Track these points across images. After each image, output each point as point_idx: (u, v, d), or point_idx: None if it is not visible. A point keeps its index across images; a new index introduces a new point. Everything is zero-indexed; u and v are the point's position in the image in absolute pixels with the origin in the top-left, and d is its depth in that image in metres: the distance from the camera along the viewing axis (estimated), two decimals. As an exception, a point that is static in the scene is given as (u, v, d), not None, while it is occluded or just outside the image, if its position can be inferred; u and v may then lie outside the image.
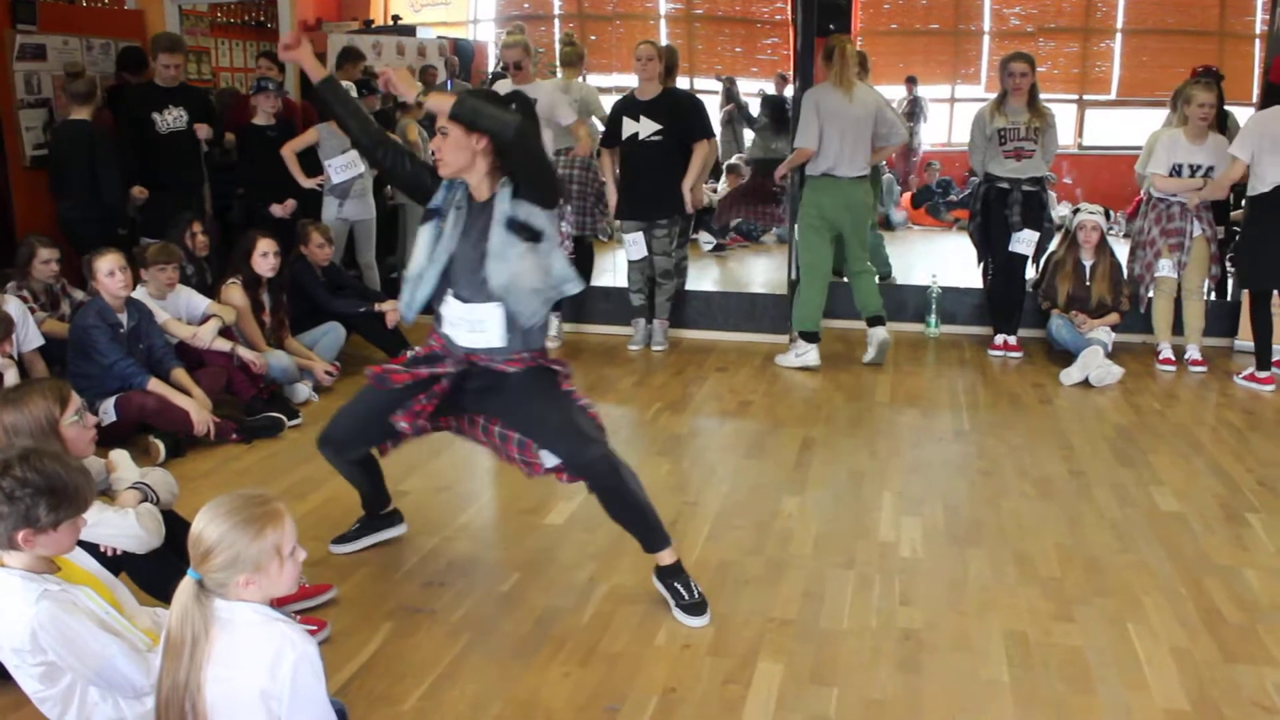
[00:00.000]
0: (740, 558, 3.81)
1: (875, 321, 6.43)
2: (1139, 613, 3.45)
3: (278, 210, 6.77)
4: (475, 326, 3.32)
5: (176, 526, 3.12)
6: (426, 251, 3.33)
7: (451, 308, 3.35)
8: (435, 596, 3.51)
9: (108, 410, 4.80)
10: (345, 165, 6.71)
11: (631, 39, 12.29)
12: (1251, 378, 6.16)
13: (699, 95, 7.30)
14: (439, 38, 9.96)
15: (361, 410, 3.56)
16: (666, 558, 3.44)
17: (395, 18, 10.37)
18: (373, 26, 9.94)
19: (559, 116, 6.47)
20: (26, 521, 2.39)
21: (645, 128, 6.49)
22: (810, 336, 6.40)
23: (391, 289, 6.79)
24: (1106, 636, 3.30)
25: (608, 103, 7.01)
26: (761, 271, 9.08)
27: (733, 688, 3.01)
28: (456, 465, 4.79)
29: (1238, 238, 6.61)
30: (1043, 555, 3.86)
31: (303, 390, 5.62)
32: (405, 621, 3.35)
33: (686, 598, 3.38)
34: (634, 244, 6.74)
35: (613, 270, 7.34)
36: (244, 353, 5.35)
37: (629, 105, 6.59)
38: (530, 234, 3.21)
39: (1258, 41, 9.75)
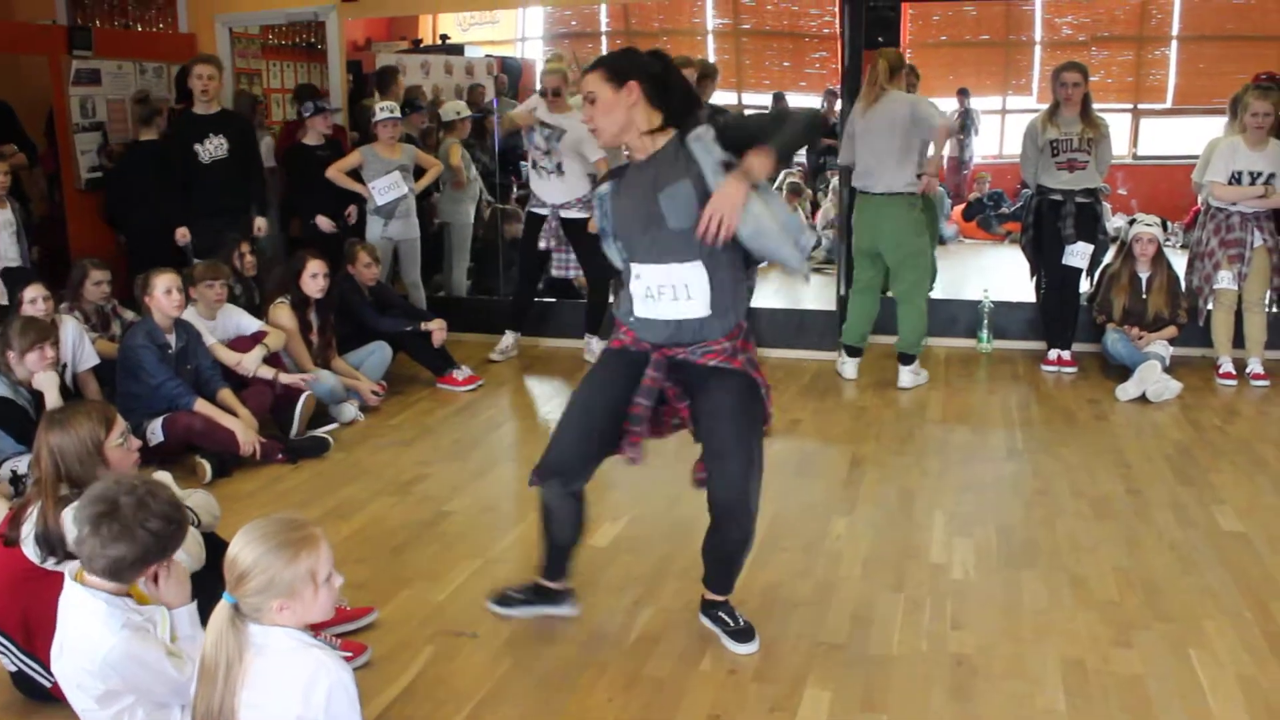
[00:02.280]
0: (788, 580, 3.74)
1: (904, 360, 6.31)
2: (1202, 638, 3.34)
3: (324, 224, 6.81)
4: (678, 293, 3.07)
5: (219, 549, 3.10)
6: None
7: (648, 275, 3.08)
8: (478, 620, 3.47)
9: (155, 430, 4.83)
10: (389, 186, 6.73)
11: (676, 51, 12.31)
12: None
13: (747, 110, 7.26)
14: (486, 56, 9.98)
15: (583, 422, 3.23)
16: (718, 595, 3.38)
17: (444, 37, 10.42)
18: (421, 46, 9.99)
19: (586, 152, 6.47)
20: (164, 556, 2.44)
21: None
22: (852, 350, 6.42)
23: (437, 308, 6.82)
24: (1168, 664, 3.20)
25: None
26: (810, 287, 8.98)
27: (779, 715, 2.95)
28: (502, 485, 4.77)
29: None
30: (1100, 578, 3.75)
31: (349, 410, 5.63)
32: (447, 645, 3.32)
33: (732, 625, 3.33)
34: None
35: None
36: (287, 379, 5.35)
37: None
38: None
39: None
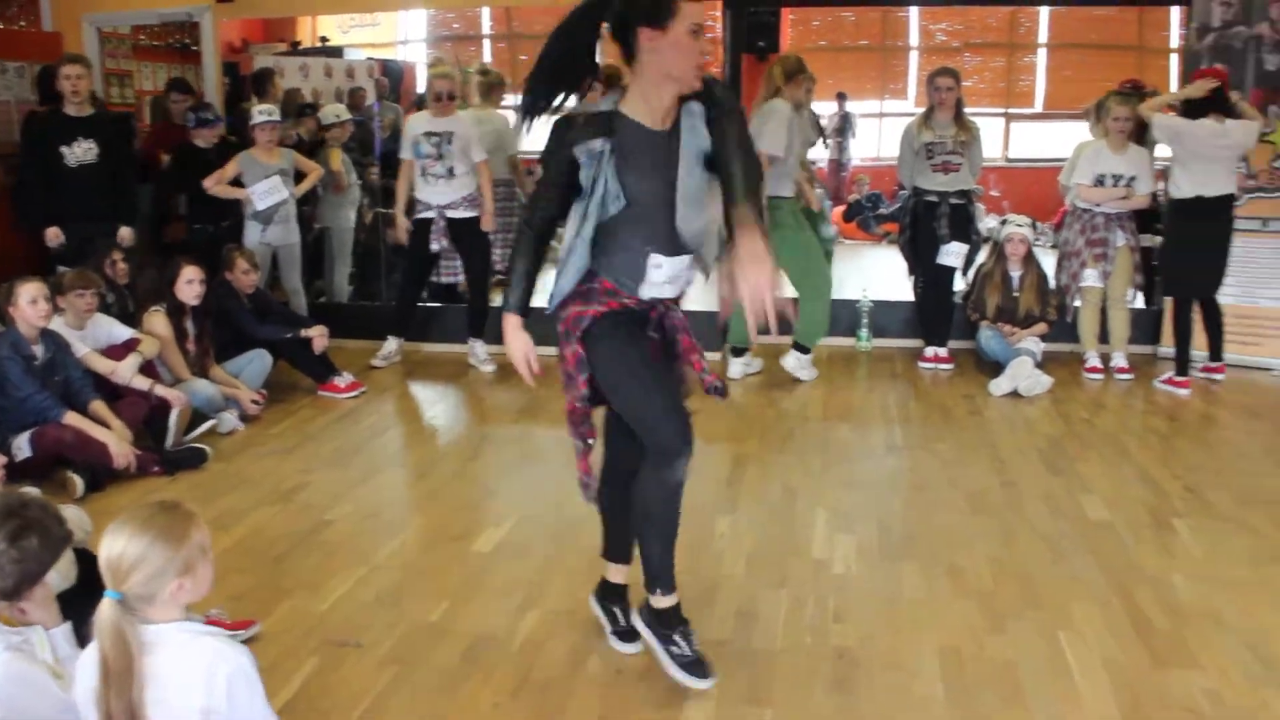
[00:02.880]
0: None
1: (798, 347, 6.46)
2: (1070, 623, 3.46)
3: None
4: (681, 281, 3.07)
5: (91, 564, 3.02)
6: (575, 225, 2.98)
7: (668, 266, 2.99)
8: (362, 629, 3.43)
9: (22, 445, 4.67)
10: (268, 191, 6.60)
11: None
12: (1170, 381, 6.28)
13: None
14: (368, 59, 9.86)
15: (665, 386, 3.05)
16: (617, 577, 3.38)
17: (323, 39, 10.25)
18: (300, 48, 9.82)
19: (472, 154, 6.47)
20: (38, 579, 2.38)
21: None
22: (739, 351, 6.53)
23: (318, 314, 6.71)
24: (1039, 649, 3.30)
25: (535, 124, 6.96)
26: (695, 290, 9.05)
27: (666, 713, 2.97)
28: (385, 492, 4.72)
29: (1160, 246, 6.71)
30: (975, 569, 3.86)
31: (228, 419, 5.51)
32: (331, 656, 3.27)
33: (622, 623, 3.33)
34: None
35: (543, 292, 7.28)
36: (163, 390, 5.22)
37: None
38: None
39: (1174, 56, 9.92)
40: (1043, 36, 13.13)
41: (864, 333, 7.27)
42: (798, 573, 3.83)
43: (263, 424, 5.62)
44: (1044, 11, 12.78)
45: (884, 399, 6.11)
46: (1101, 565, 3.89)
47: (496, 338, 6.88)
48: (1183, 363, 6.31)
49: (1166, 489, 4.68)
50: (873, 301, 7.30)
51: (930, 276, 6.80)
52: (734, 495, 4.59)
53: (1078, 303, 6.72)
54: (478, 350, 6.78)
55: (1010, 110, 13.13)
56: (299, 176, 6.88)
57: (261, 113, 6.69)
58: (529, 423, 5.69)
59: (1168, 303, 6.93)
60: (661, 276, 2.98)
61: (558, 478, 4.79)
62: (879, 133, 13.13)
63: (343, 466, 5.00)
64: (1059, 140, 10.14)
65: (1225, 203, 6.22)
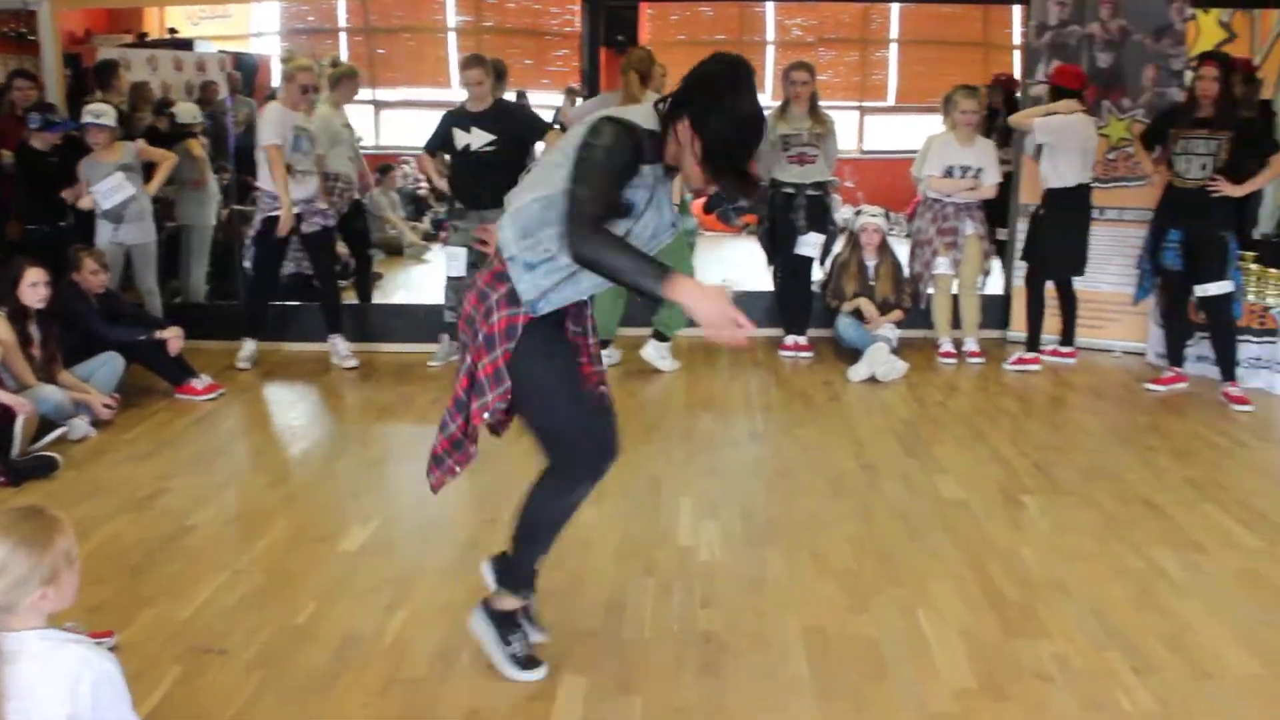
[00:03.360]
0: (541, 572, 3.77)
1: (658, 336, 6.55)
2: (928, 599, 3.58)
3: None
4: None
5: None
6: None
7: None
8: (226, 634, 3.36)
9: None
10: (112, 189, 6.37)
11: (421, 51, 12.15)
12: (1020, 360, 6.56)
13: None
14: (220, 52, 9.59)
15: (589, 400, 3.05)
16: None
17: (171, 30, 9.96)
18: (147, 40, 9.52)
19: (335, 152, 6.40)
20: None
21: (478, 139, 6.41)
22: (604, 343, 6.49)
23: (174, 315, 6.52)
24: (899, 624, 3.42)
25: (394, 118, 6.91)
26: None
27: (538, 704, 2.99)
28: (246, 495, 4.62)
29: (1029, 232, 6.90)
30: (837, 550, 3.96)
31: (80, 426, 5.32)
32: (194, 663, 3.20)
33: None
34: (454, 258, 6.62)
35: (405, 287, 7.23)
36: (6, 397, 5.01)
37: (460, 116, 6.50)
38: None
39: (1016, 52, 10.26)
40: (894, 32, 13.48)
41: (726, 323, 7.36)
42: (664, 561, 3.88)
43: (116, 429, 5.44)
44: (895, 8, 13.12)
45: (745, 387, 6.22)
46: (956, 542, 4.04)
47: (356, 334, 6.85)
48: (1034, 341, 6.59)
49: (1016, 467, 4.86)
50: (734, 292, 7.37)
51: (789, 266, 6.94)
52: (600, 487, 4.54)
53: (930, 290, 6.93)
54: (338, 347, 6.68)
55: (864, 104, 13.45)
56: (152, 170, 6.64)
57: (90, 114, 6.44)
58: (393, 420, 5.64)
59: (1017, 289, 7.21)
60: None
61: (422, 474, 4.75)
62: (738, 126, 13.27)
63: (203, 470, 4.88)
64: (911, 132, 10.42)
65: (1088, 190, 6.53)
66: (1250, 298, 6.27)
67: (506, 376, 2.88)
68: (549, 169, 2.79)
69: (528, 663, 3.12)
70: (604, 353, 6.41)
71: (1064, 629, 3.39)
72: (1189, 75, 6.44)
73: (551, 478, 3.03)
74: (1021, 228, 7.17)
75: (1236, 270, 6.06)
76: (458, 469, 3.07)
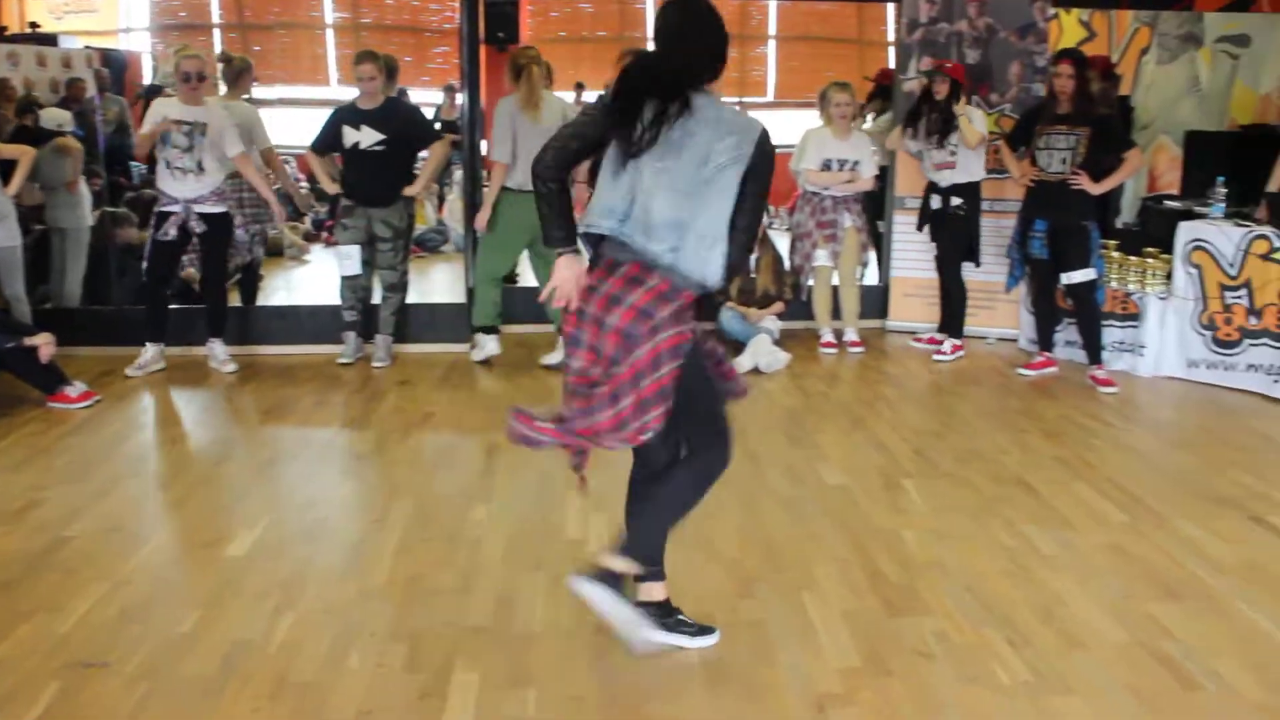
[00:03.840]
0: (431, 570, 3.78)
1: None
2: (812, 582, 3.67)
3: None
4: None
5: None
6: None
7: None
8: (108, 648, 3.28)
9: None
10: None
11: (298, 47, 11.95)
12: (957, 348, 6.82)
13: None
14: (86, 48, 9.31)
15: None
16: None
17: (33, 25, 9.65)
18: (6, 35, 9.20)
19: (227, 146, 6.24)
20: None
21: (367, 137, 6.33)
22: (489, 330, 6.54)
23: (44, 321, 6.31)
24: (785, 608, 3.50)
25: (272, 116, 6.79)
26: (440, 281, 9.04)
27: (430, 701, 2.99)
28: (127, 504, 4.51)
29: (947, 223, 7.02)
30: (724, 538, 4.03)
31: (-55, 437, 5.14)
32: (75, 678, 3.11)
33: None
34: (348, 258, 6.55)
35: (286, 289, 7.12)
36: None
37: (349, 114, 6.41)
38: None
39: (890, 49, 10.48)
40: (773, 29, 13.66)
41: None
42: (555, 554, 3.90)
43: (-15, 440, 5.27)
44: (773, 6, 13.30)
45: (633, 382, 6.26)
46: (839, 526, 4.15)
47: (237, 337, 6.73)
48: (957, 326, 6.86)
49: (896, 452, 5.00)
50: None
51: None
52: (490, 485, 4.63)
53: (811, 282, 7.07)
54: (217, 351, 6.55)
55: (744, 99, 13.60)
56: (11, 170, 6.41)
57: None
58: (277, 422, 5.56)
59: (895, 279, 7.40)
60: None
61: (309, 476, 4.72)
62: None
63: (80, 480, 4.75)
64: (790, 127, 10.58)
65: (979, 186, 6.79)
66: (1113, 284, 6.53)
67: (670, 393, 2.98)
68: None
69: (702, 630, 3.29)
70: (491, 339, 6.48)
71: (943, 606, 3.51)
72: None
73: (701, 460, 3.20)
74: (901, 220, 7.36)
75: (1099, 258, 6.31)
76: (545, 440, 3.11)
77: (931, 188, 6.81)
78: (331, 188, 6.65)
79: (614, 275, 2.97)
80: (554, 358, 6.45)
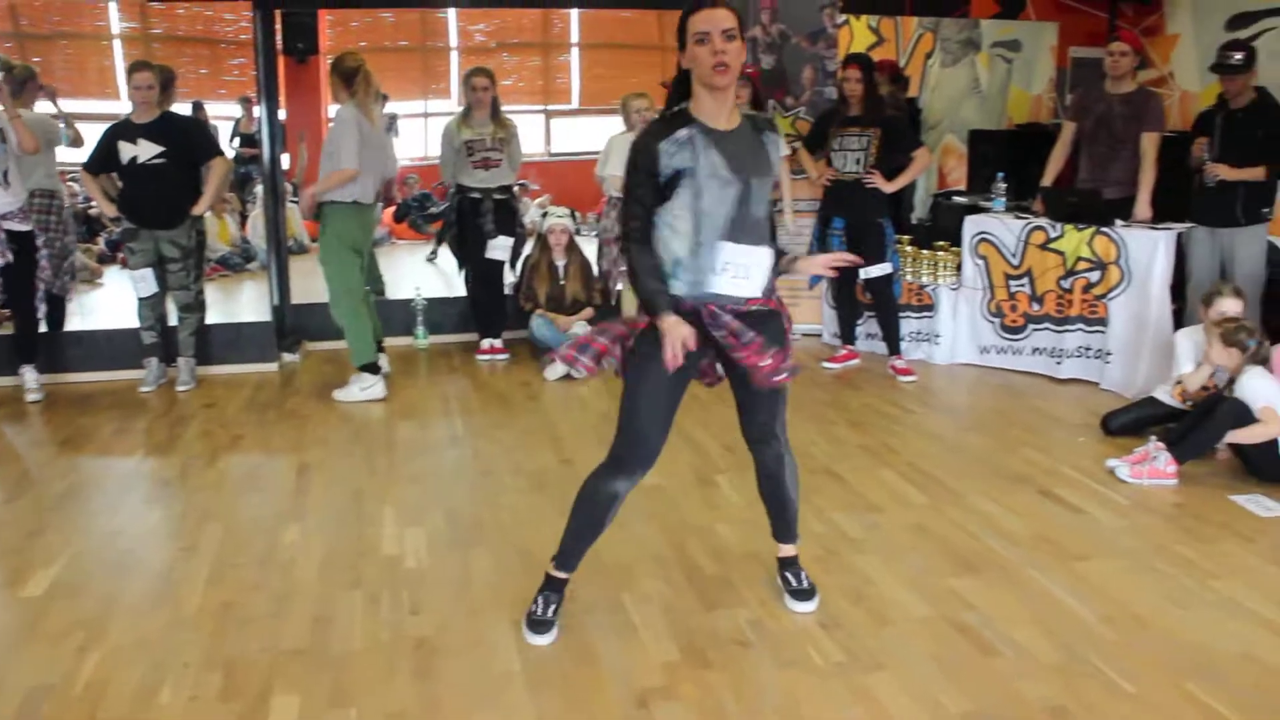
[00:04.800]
0: (243, 596, 3.68)
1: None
2: (631, 581, 3.73)
3: None
4: (742, 272, 3.11)
5: None
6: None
7: (726, 252, 3.08)
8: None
9: None
10: None
11: (82, 59, 11.42)
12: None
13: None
14: None
15: (659, 406, 3.27)
16: (789, 550, 3.60)
17: None
18: None
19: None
20: None
21: (145, 150, 6.08)
22: (373, 369, 6.15)
23: None
24: (605, 608, 3.55)
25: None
26: (246, 300, 8.79)
27: (247, 729, 2.92)
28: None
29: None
30: (542, 545, 4.01)
31: None
32: None
33: (795, 584, 3.57)
34: (142, 280, 6.28)
35: (80, 314, 6.81)
36: None
37: (125, 129, 6.14)
38: None
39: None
40: (575, 37, 13.75)
41: (421, 330, 7.36)
42: (371, 571, 3.86)
43: None
44: (574, 14, 13.38)
45: (444, 393, 6.24)
46: (656, 525, 4.22)
47: (49, 365, 6.40)
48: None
49: (708, 449, 5.11)
50: (426, 299, 7.40)
51: (480, 271, 6.99)
52: (301, 505, 4.53)
53: (620, 286, 7.14)
54: (28, 378, 6.21)
55: (549, 107, 13.66)
56: None
57: None
58: (74, 453, 5.30)
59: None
60: (719, 263, 3.09)
61: (111, 506, 4.53)
62: (425, 132, 13.24)
63: None
64: (596, 134, 10.67)
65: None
66: (908, 277, 6.81)
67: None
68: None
69: (537, 626, 3.38)
70: (378, 381, 6.19)
71: (758, 596, 3.62)
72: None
73: (603, 463, 3.40)
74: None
75: (895, 253, 6.58)
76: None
77: None
78: (109, 209, 6.40)
79: None
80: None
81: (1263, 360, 4.79)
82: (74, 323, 6.81)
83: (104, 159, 6.20)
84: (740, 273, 3.11)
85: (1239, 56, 5.68)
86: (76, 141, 6.90)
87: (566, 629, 3.41)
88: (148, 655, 3.28)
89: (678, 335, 3.01)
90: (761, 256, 3.12)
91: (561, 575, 3.44)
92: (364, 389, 6.09)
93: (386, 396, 6.12)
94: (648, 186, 3.06)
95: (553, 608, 3.41)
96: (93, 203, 7.37)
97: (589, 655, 3.26)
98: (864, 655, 3.23)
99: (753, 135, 3.14)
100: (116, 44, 11.21)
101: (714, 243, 3.06)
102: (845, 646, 3.28)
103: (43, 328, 6.43)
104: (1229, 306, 5.05)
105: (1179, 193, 6.16)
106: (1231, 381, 4.83)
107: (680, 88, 3.13)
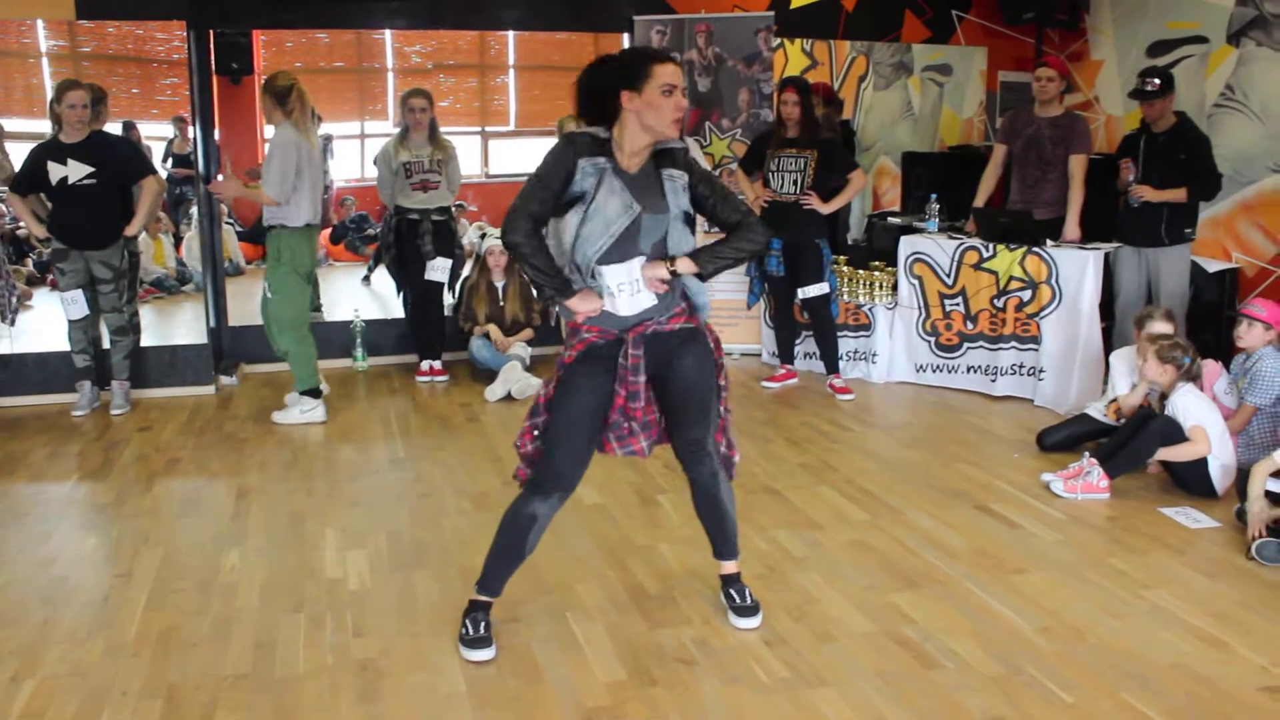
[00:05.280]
0: (184, 620, 3.64)
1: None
2: (575, 601, 3.73)
3: None
4: (631, 288, 3.21)
5: None
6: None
7: (606, 275, 3.18)
8: None
9: None
10: None
11: (8, 77, 11.23)
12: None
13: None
14: None
15: (578, 430, 3.30)
16: (731, 567, 3.64)
17: None
18: None
19: None
20: None
21: (75, 171, 5.99)
22: (315, 393, 6.09)
23: None
24: (549, 628, 3.55)
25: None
26: (182, 322, 8.67)
27: (187, 756, 2.89)
28: None
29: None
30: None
31: None
32: None
33: (738, 601, 3.60)
34: (73, 302, 6.18)
35: (8, 337, 6.68)
36: None
37: (53, 149, 6.05)
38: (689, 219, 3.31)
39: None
40: (512, 59, 13.75)
41: (359, 352, 7.32)
42: (313, 595, 3.83)
43: None
44: (510, 35, 13.39)
45: (384, 415, 6.20)
46: (598, 545, 4.23)
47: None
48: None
49: (649, 469, 5.13)
50: (365, 321, 7.36)
51: (418, 293, 6.96)
52: (241, 529, 4.49)
53: (557, 308, 7.14)
54: None
55: (486, 128, 13.63)
56: None
57: None
58: (5, 479, 5.20)
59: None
60: (604, 287, 3.19)
61: (44, 533, 4.46)
62: (361, 154, 13.16)
63: None
64: (534, 155, 10.67)
65: None
66: (845, 297, 6.90)
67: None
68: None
69: (474, 644, 3.40)
70: (318, 405, 6.11)
71: (701, 614, 3.64)
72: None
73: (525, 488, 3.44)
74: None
75: (831, 273, 6.66)
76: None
77: None
78: (39, 230, 6.30)
79: None
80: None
81: (1194, 377, 4.91)
82: (2, 346, 6.67)
83: (32, 179, 6.11)
84: (631, 289, 3.21)
85: (1156, 83, 5.84)
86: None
87: (511, 648, 3.41)
88: (85, 684, 3.24)
89: (593, 305, 3.18)
90: (634, 266, 3.20)
91: (484, 599, 3.47)
92: (304, 411, 6.05)
93: (326, 420, 6.07)
94: (546, 199, 3.17)
95: (482, 624, 3.43)
96: (20, 224, 7.26)
97: (534, 675, 3.26)
98: (807, 671, 3.27)
99: (654, 173, 3.25)
100: (44, 62, 11.02)
101: (589, 268, 3.18)
102: (789, 663, 3.32)
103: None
104: (1160, 329, 5.19)
105: (1106, 213, 6.31)
106: (1164, 397, 4.95)
107: (603, 109, 3.20)
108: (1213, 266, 6.68)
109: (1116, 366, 5.43)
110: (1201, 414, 4.78)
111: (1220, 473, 4.73)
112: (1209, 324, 6.47)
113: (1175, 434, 4.76)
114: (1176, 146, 5.87)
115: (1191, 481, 4.77)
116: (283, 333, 5.98)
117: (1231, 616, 3.64)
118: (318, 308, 7.75)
